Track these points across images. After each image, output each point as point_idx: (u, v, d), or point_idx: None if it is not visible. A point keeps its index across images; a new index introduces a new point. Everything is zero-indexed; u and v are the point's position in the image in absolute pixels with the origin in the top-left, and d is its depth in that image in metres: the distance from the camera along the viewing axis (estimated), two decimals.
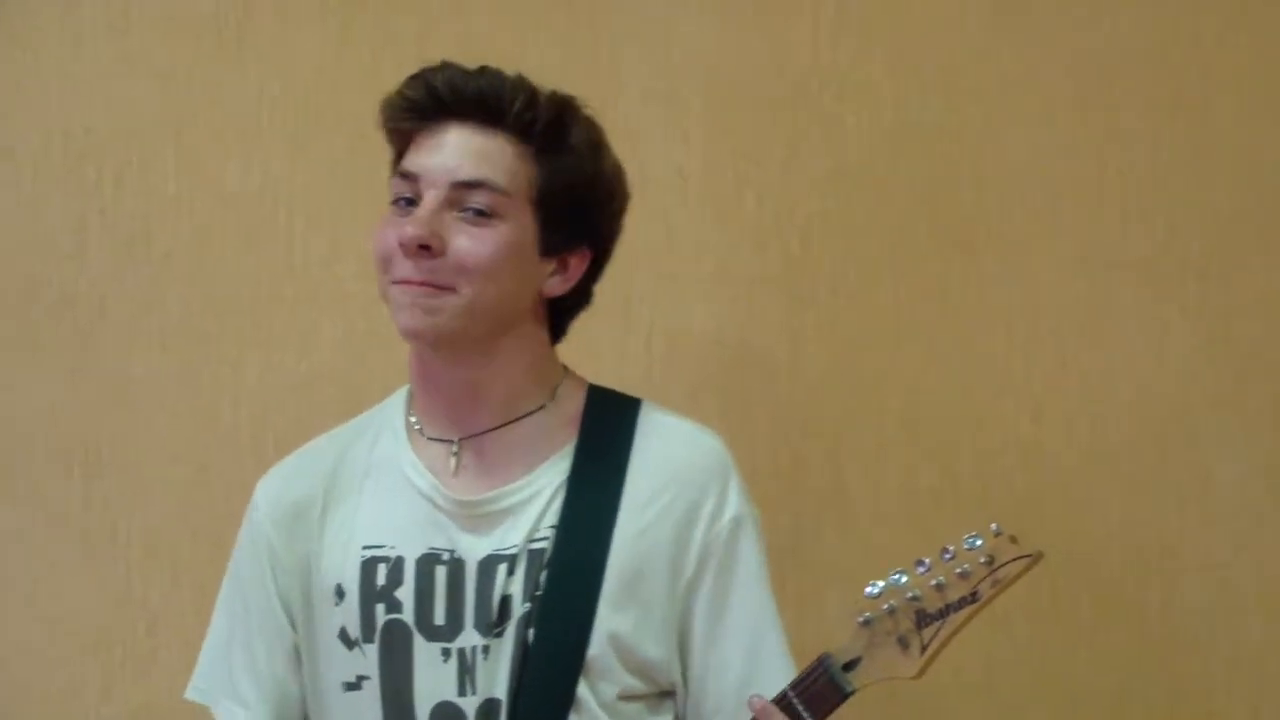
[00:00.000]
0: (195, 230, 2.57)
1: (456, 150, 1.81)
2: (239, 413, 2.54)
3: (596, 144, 1.89)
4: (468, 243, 1.79)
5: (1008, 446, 2.52)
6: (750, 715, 1.73)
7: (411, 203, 1.83)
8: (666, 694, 1.93)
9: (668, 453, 1.92)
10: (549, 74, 1.86)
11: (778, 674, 1.80)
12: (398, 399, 2.00)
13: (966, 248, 2.50)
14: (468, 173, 1.80)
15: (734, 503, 1.90)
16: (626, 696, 1.87)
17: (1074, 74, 2.49)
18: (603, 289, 1.96)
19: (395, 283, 1.82)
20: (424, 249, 1.77)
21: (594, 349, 2.01)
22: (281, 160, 2.56)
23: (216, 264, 2.58)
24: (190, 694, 2.02)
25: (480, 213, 1.80)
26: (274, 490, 1.99)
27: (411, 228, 1.77)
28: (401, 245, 1.78)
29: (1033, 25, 2.51)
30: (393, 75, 2.24)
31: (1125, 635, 2.43)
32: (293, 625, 1.95)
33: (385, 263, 1.83)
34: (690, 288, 2.45)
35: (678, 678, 1.91)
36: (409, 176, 1.83)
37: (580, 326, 1.97)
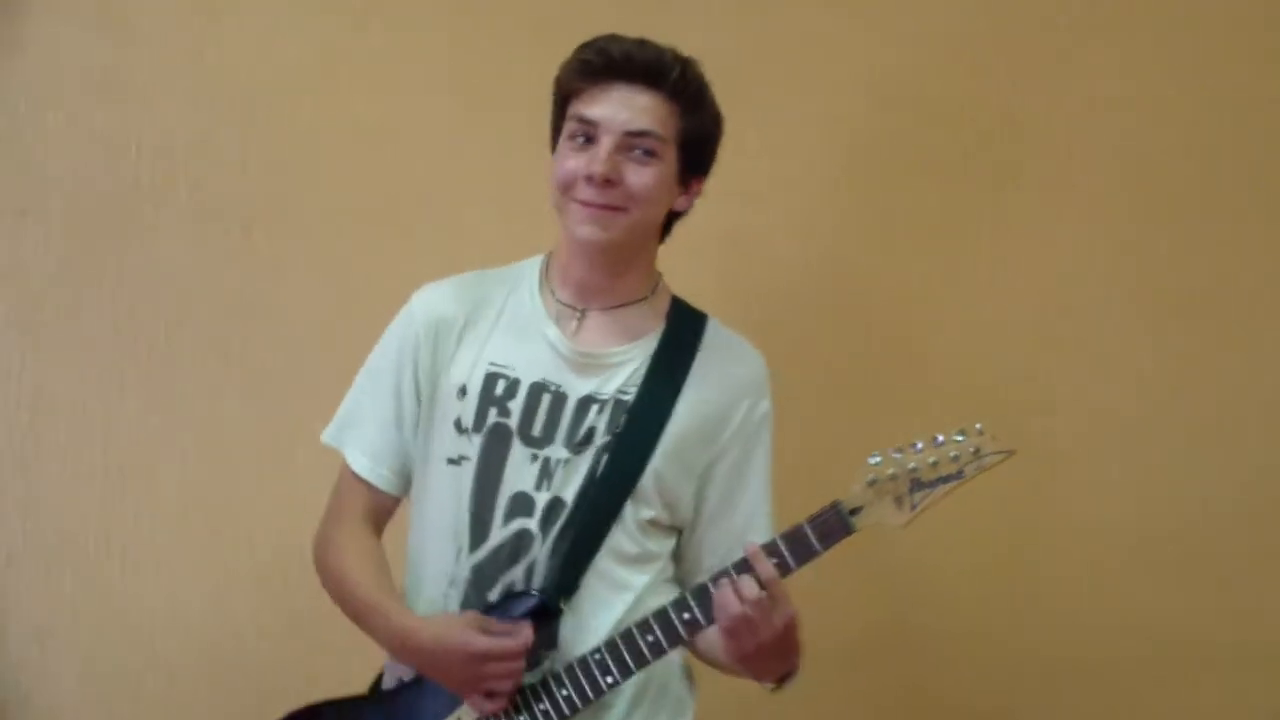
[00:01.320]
0: (327, 156, 3.01)
1: (627, 105, 2.19)
2: (360, 270, 2.97)
3: (713, 98, 2.28)
4: (636, 176, 2.19)
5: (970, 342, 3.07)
6: (740, 556, 2.09)
7: (589, 140, 2.19)
8: (674, 529, 2.31)
9: (726, 356, 2.32)
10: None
11: (763, 535, 2.16)
12: (534, 264, 2.36)
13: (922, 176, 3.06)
14: (638, 124, 2.18)
15: (765, 405, 2.32)
16: (651, 521, 2.26)
17: None
18: None
19: (578, 202, 2.19)
20: (608, 182, 2.16)
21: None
22: (397, 108, 3.00)
23: (343, 181, 3.01)
24: (325, 438, 2.37)
25: (646, 153, 2.19)
26: (429, 302, 2.33)
27: (599, 166, 2.16)
28: (590, 178, 2.17)
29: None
30: (479, 48, 2.78)
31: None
32: (419, 405, 2.30)
33: (568, 186, 2.20)
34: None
35: (688, 516, 2.30)
36: (588, 122, 2.19)
37: None
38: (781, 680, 2.19)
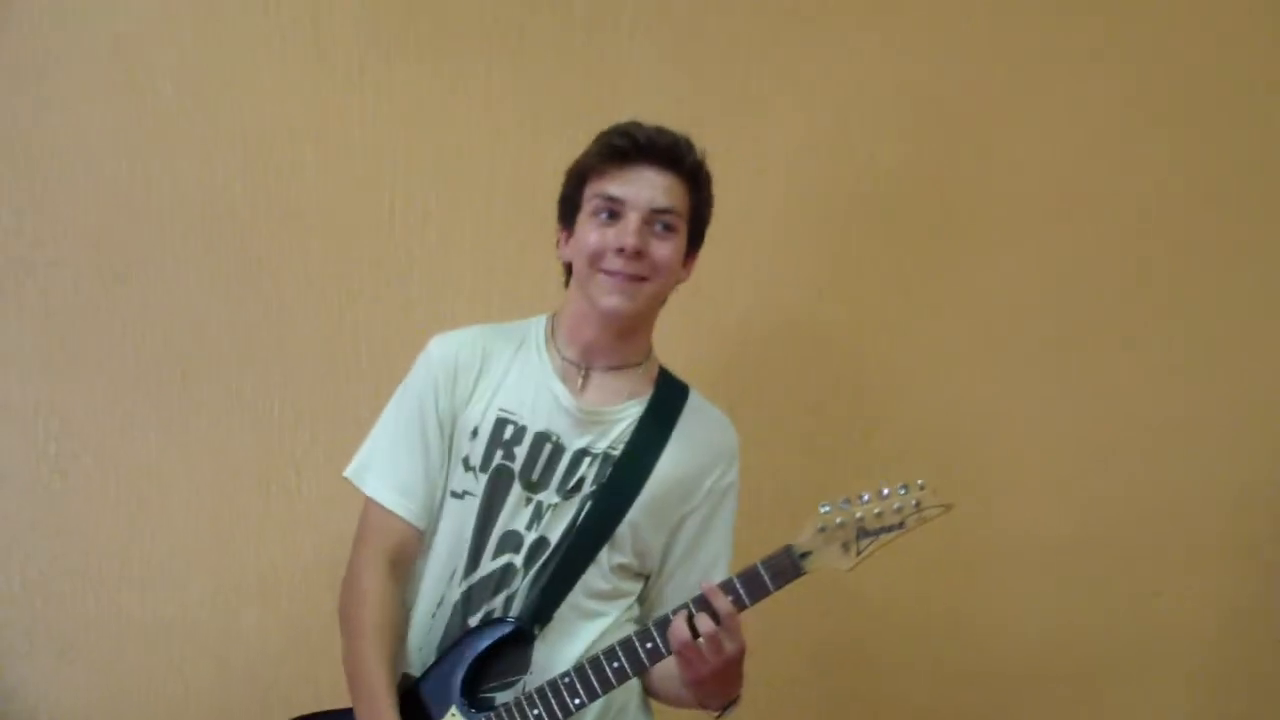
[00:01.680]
0: (328, 198, 3.12)
1: (651, 185, 2.30)
2: (356, 316, 3.11)
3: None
4: (659, 249, 2.31)
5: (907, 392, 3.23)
6: (698, 594, 2.21)
7: (613, 215, 2.30)
8: (642, 575, 2.44)
9: (703, 427, 2.45)
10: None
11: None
12: (539, 323, 2.46)
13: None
14: (661, 202, 2.31)
15: (734, 473, 2.46)
16: (621, 566, 2.40)
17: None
18: None
19: (605, 272, 2.29)
20: (638, 253, 2.27)
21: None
22: (390, 159, 3.12)
23: (342, 224, 3.12)
24: (348, 473, 2.41)
25: (666, 227, 2.31)
26: (447, 349, 2.41)
27: (632, 239, 2.27)
28: (622, 249, 2.27)
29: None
30: (464, 111, 2.90)
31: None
32: (442, 440, 2.37)
33: (596, 258, 2.30)
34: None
35: (655, 566, 2.44)
36: (614, 200, 2.30)
37: None
38: (725, 707, 2.35)
